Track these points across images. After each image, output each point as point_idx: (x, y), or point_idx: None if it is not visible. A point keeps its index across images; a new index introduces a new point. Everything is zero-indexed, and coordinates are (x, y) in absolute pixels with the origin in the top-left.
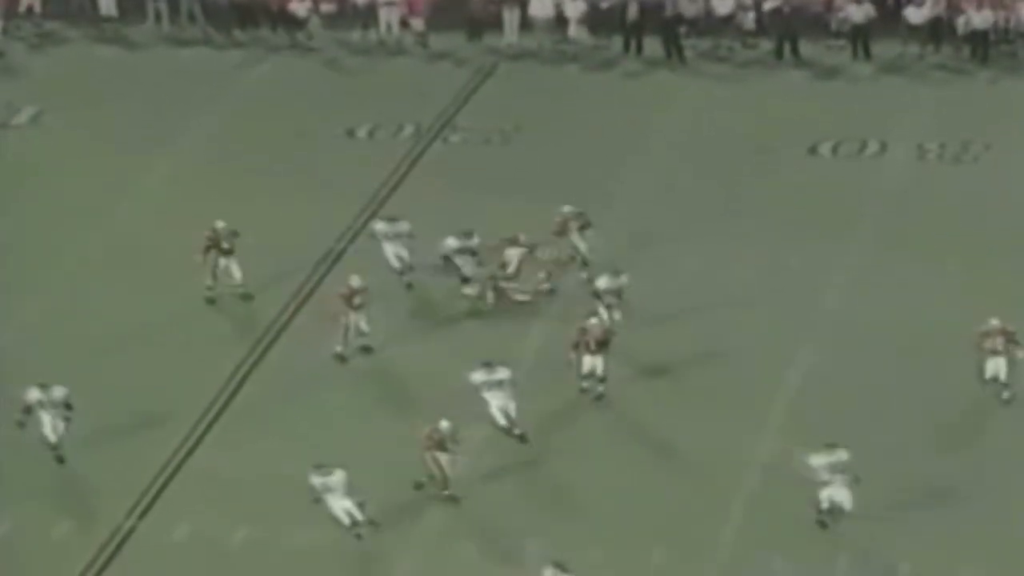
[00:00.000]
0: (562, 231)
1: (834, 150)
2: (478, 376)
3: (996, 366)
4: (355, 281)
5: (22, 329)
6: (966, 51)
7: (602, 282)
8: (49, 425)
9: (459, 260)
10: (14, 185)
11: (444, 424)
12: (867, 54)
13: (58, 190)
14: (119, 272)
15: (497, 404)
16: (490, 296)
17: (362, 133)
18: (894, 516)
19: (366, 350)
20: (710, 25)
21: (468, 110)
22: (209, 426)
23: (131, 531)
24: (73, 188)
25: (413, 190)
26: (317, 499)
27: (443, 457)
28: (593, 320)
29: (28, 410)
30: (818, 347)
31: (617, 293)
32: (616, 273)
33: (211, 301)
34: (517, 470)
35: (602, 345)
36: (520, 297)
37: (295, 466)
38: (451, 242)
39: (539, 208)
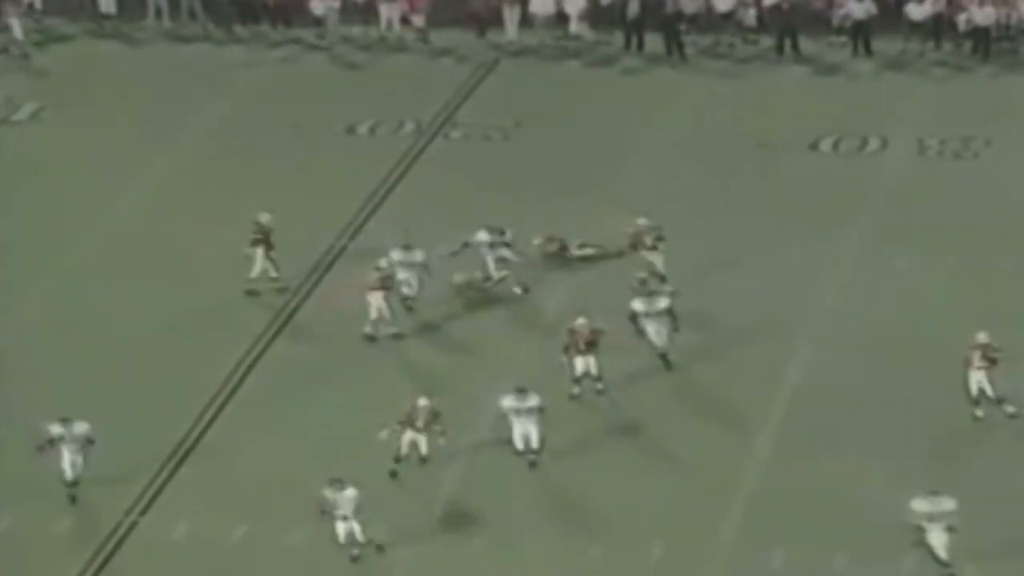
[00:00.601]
0: (635, 244)
1: (835, 146)
2: (508, 402)
3: (978, 380)
4: (384, 263)
5: (22, 328)
6: (967, 47)
7: (638, 304)
8: (68, 461)
9: (489, 255)
10: (14, 182)
11: (422, 402)
12: (868, 51)
13: (58, 187)
14: (119, 269)
15: (520, 431)
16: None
17: (363, 130)
18: (894, 513)
19: (370, 339)
20: (711, 21)
21: (469, 106)
22: (209, 423)
23: (131, 528)
24: (73, 185)
25: (414, 187)
26: (324, 512)
27: (409, 435)
28: (580, 320)
29: (51, 442)
30: (818, 344)
31: (659, 315)
32: (652, 295)
33: (280, 290)
34: (516, 469)
35: (591, 345)
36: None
37: (295, 463)
38: (482, 235)
39: (540, 205)
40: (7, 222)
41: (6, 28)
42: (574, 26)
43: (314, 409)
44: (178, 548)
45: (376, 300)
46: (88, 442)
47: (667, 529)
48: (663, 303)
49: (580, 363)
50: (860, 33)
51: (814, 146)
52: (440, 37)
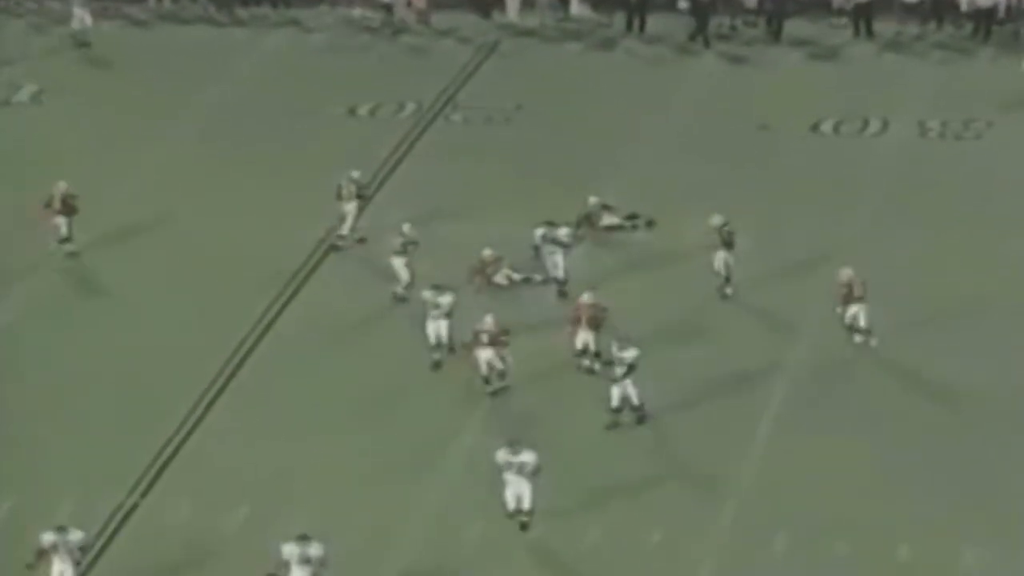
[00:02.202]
0: (714, 244)
1: (836, 128)
2: (501, 455)
3: (853, 313)
4: (406, 228)
5: (23, 311)
6: (968, 29)
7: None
8: (57, 572)
9: (546, 250)
10: (13, 165)
11: (488, 320)
12: (869, 32)
13: (58, 170)
14: (118, 251)
15: (513, 491)
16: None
17: (363, 111)
18: (894, 498)
19: (402, 300)
20: (712, 4)
21: (470, 88)
22: (208, 407)
23: (131, 512)
24: (73, 168)
25: (415, 169)
26: (283, 566)
27: (484, 353)
28: (586, 295)
29: (41, 554)
30: (819, 326)
31: (627, 364)
32: (624, 342)
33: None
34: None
35: (593, 321)
36: (500, 280)
37: (295, 447)
38: (539, 232)
39: (542, 186)
40: (6, 205)
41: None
42: (575, 8)
43: (312, 393)
44: (177, 532)
45: (399, 264)
46: (82, 551)
47: (667, 513)
48: (633, 353)
49: (580, 338)
50: (861, 15)
51: (815, 128)
52: (441, 19)
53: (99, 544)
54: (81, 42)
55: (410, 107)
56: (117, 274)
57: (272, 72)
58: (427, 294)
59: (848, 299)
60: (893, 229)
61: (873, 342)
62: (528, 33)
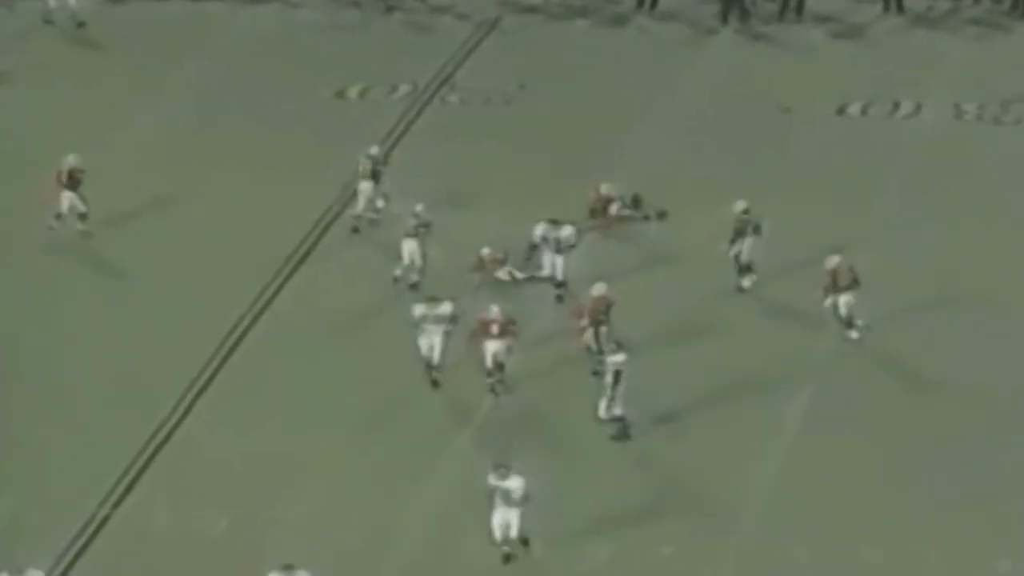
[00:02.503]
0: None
1: (864, 111)
2: (489, 480)
3: (845, 302)
4: (420, 208)
5: (5, 297)
6: (1006, 3)
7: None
8: None
9: (544, 249)
10: None
11: (495, 309)
12: (900, 7)
13: (28, 153)
14: (101, 235)
15: (499, 519)
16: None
17: (353, 93)
18: (922, 505)
19: (395, 281)
20: None
21: (468, 68)
22: (190, 406)
23: (106, 519)
24: (47, 150)
25: (408, 154)
26: None
27: (492, 345)
28: (596, 288)
29: None
30: (837, 322)
31: (613, 371)
32: (614, 345)
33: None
34: (524, 453)
35: (595, 315)
36: (502, 276)
37: (291, 446)
38: (540, 229)
39: (543, 172)
40: None
41: None
42: None
43: (311, 390)
44: (158, 535)
45: (409, 246)
46: None
47: (678, 524)
48: (621, 357)
49: (589, 335)
50: None
51: (841, 111)
52: None
53: (82, 542)
54: (77, 23)
55: (404, 88)
56: (102, 261)
57: (255, 50)
58: (421, 308)
59: (834, 288)
60: (925, 217)
61: (859, 323)
62: (531, 9)
